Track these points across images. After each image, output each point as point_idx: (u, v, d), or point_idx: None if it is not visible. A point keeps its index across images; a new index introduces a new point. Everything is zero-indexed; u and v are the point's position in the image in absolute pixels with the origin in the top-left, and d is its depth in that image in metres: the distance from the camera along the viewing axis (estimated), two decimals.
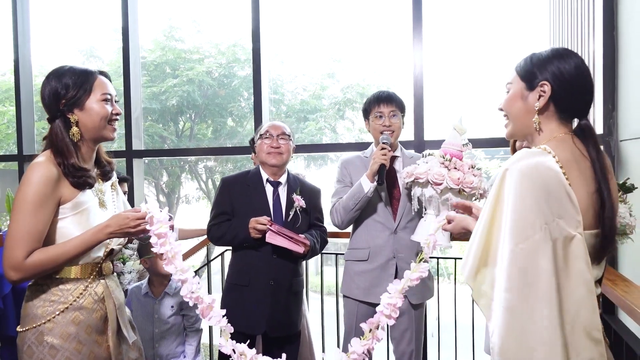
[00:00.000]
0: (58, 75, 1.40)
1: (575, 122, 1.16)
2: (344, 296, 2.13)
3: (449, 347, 3.00)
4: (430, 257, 1.54)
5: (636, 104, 2.44)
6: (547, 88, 1.11)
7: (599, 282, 1.13)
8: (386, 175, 2.01)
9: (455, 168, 1.74)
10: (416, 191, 1.84)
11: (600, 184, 1.07)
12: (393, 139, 2.05)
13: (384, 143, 1.96)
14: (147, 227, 1.40)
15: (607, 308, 1.85)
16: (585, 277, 1.01)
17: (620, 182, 1.92)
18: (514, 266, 0.98)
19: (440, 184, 1.72)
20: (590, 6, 2.89)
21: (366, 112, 2.12)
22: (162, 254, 1.40)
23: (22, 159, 3.83)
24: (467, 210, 1.42)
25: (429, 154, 1.84)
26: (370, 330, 1.51)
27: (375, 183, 1.95)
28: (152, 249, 1.41)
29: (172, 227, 1.44)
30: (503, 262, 1.00)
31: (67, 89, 1.38)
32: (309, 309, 2.81)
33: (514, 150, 2.26)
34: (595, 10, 2.78)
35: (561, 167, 1.04)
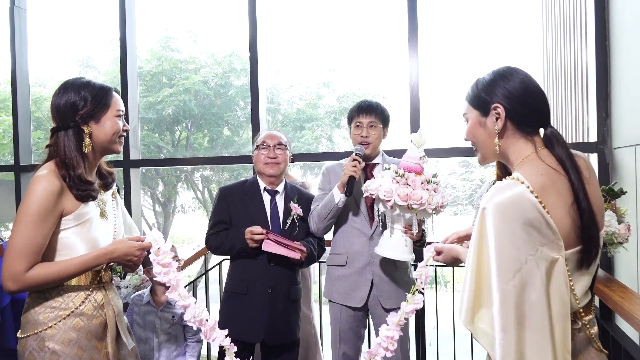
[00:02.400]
0: (77, 87, 1.43)
1: (542, 131, 1.15)
2: (329, 301, 2.15)
3: (448, 355, 3.00)
4: (428, 265, 1.54)
5: (629, 112, 2.48)
6: (500, 109, 1.12)
7: (590, 289, 1.12)
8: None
9: (407, 184, 1.74)
10: (375, 205, 1.88)
11: (577, 193, 1.05)
12: (371, 150, 2.07)
13: (356, 154, 1.98)
14: (152, 257, 1.44)
15: (605, 314, 1.86)
16: (563, 298, 1.01)
17: (607, 187, 1.90)
18: (506, 304, 0.98)
19: (389, 201, 1.73)
20: (582, 16, 2.94)
21: (349, 121, 2.15)
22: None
23: (19, 169, 3.82)
24: (465, 239, 1.44)
25: (387, 169, 1.85)
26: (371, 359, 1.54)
27: (346, 196, 1.96)
28: (155, 278, 1.46)
29: (176, 258, 1.50)
30: (496, 303, 0.99)
31: (86, 102, 1.42)
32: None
33: (499, 165, 2.27)
34: (587, 20, 2.83)
35: (536, 197, 1.02)
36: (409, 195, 1.71)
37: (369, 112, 2.07)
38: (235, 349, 1.55)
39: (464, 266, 1.22)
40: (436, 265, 3.13)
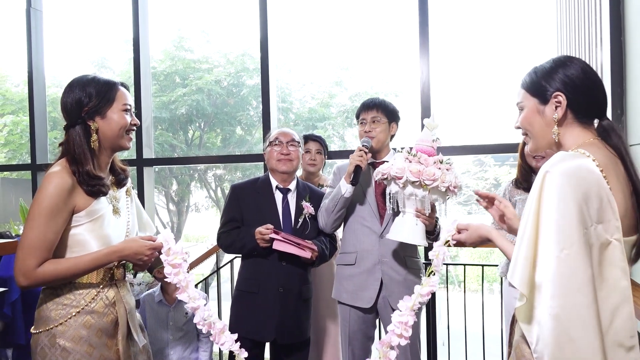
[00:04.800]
0: (82, 83, 1.43)
1: (596, 122, 1.14)
2: (338, 302, 2.14)
3: (459, 355, 2.98)
4: (446, 244, 1.49)
5: None
6: (562, 98, 1.11)
7: None
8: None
9: (419, 162, 1.72)
10: (387, 189, 1.85)
11: (635, 184, 1.05)
12: (376, 143, 2.06)
13: (363, 146, 1.98)
14: (163, 257, 1.46)
15: None
16: (620, 284, 0.99)
17: None
18: (560, 272, 0.96)
19: (401, 178, 1.71)
20: (597, 12, 2.89)
21: (357, 120, 2.15)
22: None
23: (35, 168, 3.89)
24: (490, 202, 1.39)
25: (399, 151, 1.84)
26: (384, 348, 1.50)
27: (352, 185, 1.95)
28: (165, 279, 1.48)
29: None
30: (549, 268, 0.97)
31: (91, 98, 1.42)
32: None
33: (522, 156, 2.25)
34: (602, 15, 2.78)
35: (601, 171, 1.01)
36: (421, 172, 1.69)
37: (371, 108, 2.07)
38: (246, 354, 1.55)
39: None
40: (447, 264, 3.11)
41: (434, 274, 1.50)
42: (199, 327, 1.52)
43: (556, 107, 1.12)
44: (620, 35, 2.62)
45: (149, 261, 1.49)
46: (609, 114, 2.68)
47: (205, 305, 1.53)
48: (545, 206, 0.99)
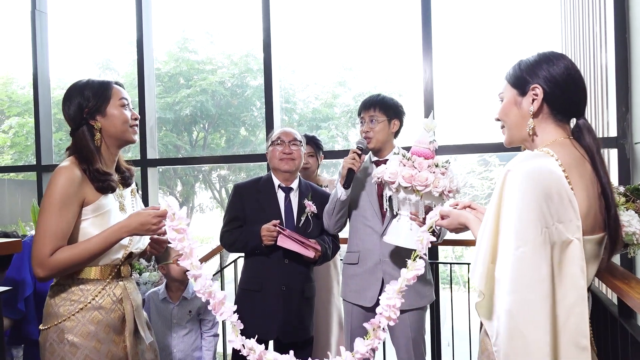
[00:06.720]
0: (78, 89, 1.51)
1: (574, 122, 1.15)
2: (343, 299, 2.14)
3: (464, 355, 2.97)
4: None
5: None
6: (539, 91, 1.12)
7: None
8: None
9: (413, 166, 1.70)
10: (384, 192, 1.83)
11: (604, 186, 1.06)
12: (374, 143, 2.04)
13: (358, 147, 1.97)
14: (167, 223, 1.43)
15: (624, 313, 1.81)
16: (578, 283, 1.01)
17: (632, 186, 1.86)
18: (515, 269, 0.98)
19: (394, 182, 1.70)
20: (601, 11, 2.88)
21: (359, 118, 2.14)
22: (179, 250, 1.44)
23: (41, 170, 3.91)
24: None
25: (395, 154, 1.82)
26: (374, 329, 1.52)
27: (345, 188, 1.94)
28: (169, 245, 1.45)
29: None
30: (507, 265, 0.99)
31: (89, 99, 1.48)
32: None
33: None
34: (607, 13, 2.77)
35: (564, 171, 1.03)
36: (414, 177, 1.67)
37: (368, 107, 2.05)
38: (242, 326, 1.50)
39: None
40: (451, 264, 3.10)
41: (420, 258, 1.51)
42: (198, 295, 1.45)
43: (533, 99, 1.13)
44: (625, 33, 2.61)
45: (158, 229, 1.46)
46: (613, 111, 2.68)
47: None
48: (506, 204, 1.01)
